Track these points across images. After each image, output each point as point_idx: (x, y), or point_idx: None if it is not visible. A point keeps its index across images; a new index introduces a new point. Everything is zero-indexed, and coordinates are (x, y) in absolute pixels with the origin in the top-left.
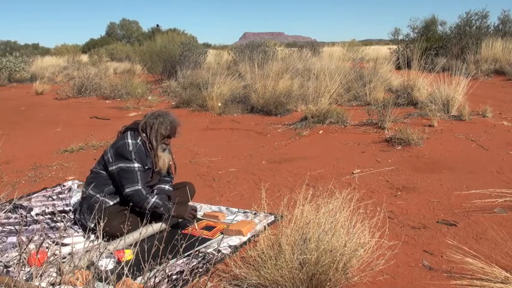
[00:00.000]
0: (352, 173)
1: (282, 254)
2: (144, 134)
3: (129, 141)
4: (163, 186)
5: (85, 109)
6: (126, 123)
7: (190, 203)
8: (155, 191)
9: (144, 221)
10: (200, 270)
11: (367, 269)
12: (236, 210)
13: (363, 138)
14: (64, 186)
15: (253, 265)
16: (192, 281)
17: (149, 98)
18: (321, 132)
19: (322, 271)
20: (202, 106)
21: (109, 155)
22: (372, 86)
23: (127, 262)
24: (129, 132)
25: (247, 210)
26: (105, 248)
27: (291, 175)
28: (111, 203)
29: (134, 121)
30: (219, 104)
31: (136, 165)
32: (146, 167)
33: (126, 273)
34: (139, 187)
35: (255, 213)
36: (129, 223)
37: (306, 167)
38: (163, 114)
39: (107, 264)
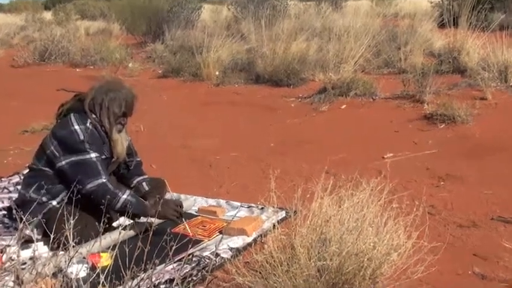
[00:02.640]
0: (383, 157)
1: (295, 259)
2: (93, 115)
3: (76, 127)
4: (144, 176)
5: (50, 79)
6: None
7: (170, 195)
8: (133, 183)
9: (102, 223)
10: (194, 278)
11: (402, 278)
12: (238, 204)
13: (396, 114)
14: (23, 175)
15: (259, 272)
16: None
17: (129, 65)
18: (343, 107)
19: (346, 280)
20: (195, 75)
21: (52, 148)
22: (408, 49)
23: (103, 268)
24: (72, 115)
25: (252, 204)
26: (76, 252)
27: (306, 161)
28: (55, 203)
29: (75, 96)
30: (217, 73)
31: (93, 155)
32: (103, 156)
33: (103, 282)
34: (104, 180)
35: (262, 208)
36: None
37: (325, 151)
38: (114, 87)
39: (78, 271)
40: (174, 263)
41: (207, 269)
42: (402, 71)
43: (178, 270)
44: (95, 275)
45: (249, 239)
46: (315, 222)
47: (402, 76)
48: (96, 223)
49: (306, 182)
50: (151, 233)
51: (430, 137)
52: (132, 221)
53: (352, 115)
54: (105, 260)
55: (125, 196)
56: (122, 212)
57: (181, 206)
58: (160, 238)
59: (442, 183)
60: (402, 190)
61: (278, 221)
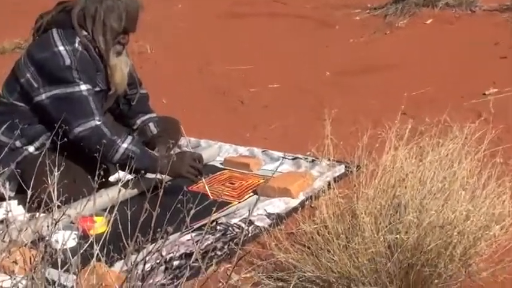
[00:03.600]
0: (484, 94)
1: (358, 231)
2: (83, 32)
3: (61, 48)
4: (151, 115)
5: None
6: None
7: (186, 141)
8: (137, 124)
9: (96, 177)
10: (219, 253)
11: (505, 260)
12: (280, 154)
13: (503, 33)
14: None
15: (308, 247)
16: (206, 270)
17: None
18: (429, 21)
19: (426, 260)
20: None
21: (28, 76)
22: None
23: (98, 237)
24: (55, 31)
25: (299, 156)
26: (63, 214)
27: (375, 96)
28: (33, 149)
29: (59, 3)
30: None
31: (83, 87)
32: (97, 89)
33: (97, 255)
34: (98, 122)
35: (313, 161)
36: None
37: (402, 83)
38: None
39: (65, 239)
40: (192, 232)
41: (236, 241)
42: None
43: (197, 242)
44: (87, 245)
45: (295, 203)
46: (386, 181)
47: None
48: (89, 177)
49: (375, 125)
50: (162, 191)
51: None
52: (135, 176)
53: (440, 33)
54: (100, 225)
55: (125, 145)
56: (122, 166)
57: (200, 161)
58: (173, 198)
59: None
60: (510, 140)
61: (335, 179)
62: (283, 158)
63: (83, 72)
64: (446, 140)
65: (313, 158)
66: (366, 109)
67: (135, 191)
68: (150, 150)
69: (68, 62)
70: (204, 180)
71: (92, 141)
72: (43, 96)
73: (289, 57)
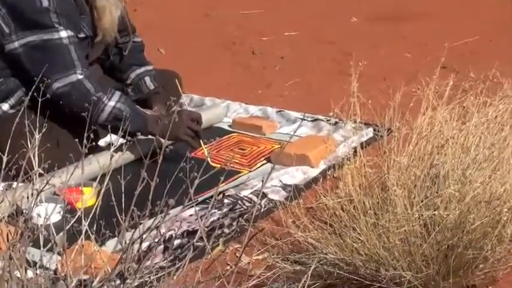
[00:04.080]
0: None
1: (388, 206)
2: None
3: None
4: (146, 67)
5: None
6: None
7: (187, 100)
8: (131, 78)
9: (85, 139)
10: (227, 230)
11: None
12: (298, 115)
13: None
14: None
15: (330, 225)
16: (211, 250)
17: None
18: None
19: (470, 241)
20: None
21: None
22: None
23: (87, 210)
24: None
25: (320, 117)
26: (45, 184)
27: (409, 47)
28: (7, 107)
29: None
30: None
31: (63, 34)
32: (81, 35)
33: (86, 232)
34: (80, 75)
35: (336, 123)
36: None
37: (441, 32)
38: None
39: (48, 213)
40: (196, 206)
41: (246, 217)
42: None
43: (202, 217)
44: (73, 221)
45: (314, 172)
46: (422, 147)
47: None
48: (76, 140)
49: (409, 82)
50: (161, 157)
51: None
52: (130, 139)
53: None
54: (90, 197)
55: (112, 103)
56: (109, 128)
57: (198, 121)
58: (175, 166)
59: None
60: None
61: (362, 144)
62: (301, 119)
63: (64, 16)
64: (495, 99)
65: (337, 120)
66: (399, 62)
67: (130, 157)
68: (143, 109)
69: (45, 3)
70: (202, 144)
71: (73, 99)
72: (16, 44)
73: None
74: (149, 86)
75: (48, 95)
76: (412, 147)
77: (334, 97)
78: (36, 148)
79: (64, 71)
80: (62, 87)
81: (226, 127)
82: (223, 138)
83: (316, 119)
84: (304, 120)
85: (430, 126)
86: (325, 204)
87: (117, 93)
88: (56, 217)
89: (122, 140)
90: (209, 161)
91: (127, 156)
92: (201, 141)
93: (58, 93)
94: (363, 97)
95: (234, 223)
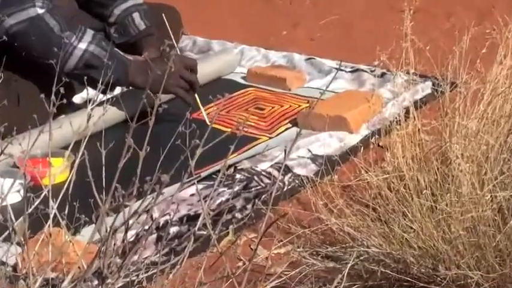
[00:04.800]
0: None
1: (451, 185)
2: None
3: None
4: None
5: None
6: None
7: (178, 50)
8: (115, 15)
9: (54, 95)
10: (238, 215)
11: None
12: (333, 65)
13: None
14: None
15: (374, 209)
16: (219, 242)
17: None
18: None
19: None
20: None
21: None
22: None
23: (56, 188)
24: None
25: (362, 67)
26: (1, 152)
27: None
28: None
29: None
30: None
31: None
32: None
33: (55, 216)
34: (40, 10)
35: (383, 75)
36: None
37: None
38: None
39: (3, 191)
40: (198, 182)
41: (264, 197)
42: None
43: (206, 198)
44: (38, 202)
45: (354, 139)
46: (497, 107)
47: None
48: (42, 96)
49: (481, 20)
50: (153, 119)
51: None
52: (110, 95)
53: None
54: (60, 171)
55: (82, 45)
56: (80, 78)
57: (193, 70)
58: (170, 131)
59: None
60: None
61: (416, 103)
62: (337, 69)
63: None
64: None
65: (384, 71)
66: None
67: (113, 119)
68: (125, 54)
69: None
70: (198, 100)
71: (31, 39)
72: None
73: None
74: (138, 25)
75: (0, 35)
76: (484, 107)
77: (381, 40)
78: None
79: (19, 3)
80: (17, 24)
81: (239, 79)
82: (235, 94)
83: (356, 69)
84: (341, 70)
85: (509, 79)
86: (367, 182)
87: (90, 33)
88: (14, 197)
89: (103, 96)
90: (208, 124)
91: (109, 117)
92: (197, 98)
93: (12, 32)
94: (419, 41)
95: (248, 206)
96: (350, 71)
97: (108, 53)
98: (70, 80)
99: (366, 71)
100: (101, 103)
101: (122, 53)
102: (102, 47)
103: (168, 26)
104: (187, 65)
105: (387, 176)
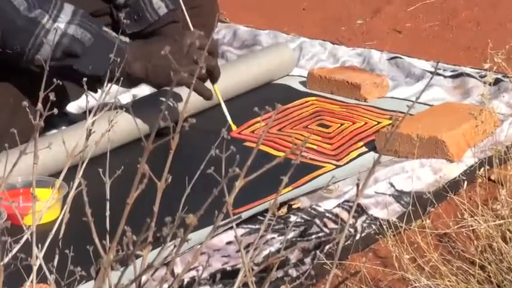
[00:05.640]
0: None
1: None
2: None
3: None
4: None
5: None
6: None
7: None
8: None
9: (41, 101)
10: (292, 273)
11: None
12: (426, 67)
13: None
14: None
15: (481, 267)
16: None
17: None
18: None
19: None
20: None
21: None
22: None
23: (42, 230)
24: None
25: (467, 70)
26: None
27: None
28: None
29: None
30: None
31: None
32: None
33: (41, 267)
34: None
35: (497, 82)
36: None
37: None
38: None
39: None
40: (238, 226)
41: (329, 248)
42: None
43: (248, 248)
44: (16, 249)
45: (455, 170)
46: None
47: None
48: (24, 103)
49: None
50: (177, 137)
51: None
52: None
53: None
54: (47, 206)
55: (59, 25)
56: (60, 72)
57: (211, 53)
58: (200, 154)
59: None
60: None
61: None
62: (432, 73)
63: None
64: None
65: (498, 76)
66: None
67: (122, 137)
68: (117, 35)
69: None
70: (220, 95)
71: None
72: None
73: None
74: (158, 9)
75: None
76: None
77: (494, 35)
78: None
79: None
80: None
81: (296, 85)
82: (291, 105)
83: (459, 74)
84: (439, 75)
85: None
86: (473, 230)
87: (68, 8)
88: None
89: (108, 105)
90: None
91: (116, 134)
92: (218, 93)
93: None
94: None
95: (307, 259)
96: (450, 76)
97: (94, 35)
98: (51, 77)
99: (472, 76)
100: (106, 114)
101: (114, 34)
102: (86, 27)
103: (215, 12)
104: (202, 44)
105: (501, 222)
